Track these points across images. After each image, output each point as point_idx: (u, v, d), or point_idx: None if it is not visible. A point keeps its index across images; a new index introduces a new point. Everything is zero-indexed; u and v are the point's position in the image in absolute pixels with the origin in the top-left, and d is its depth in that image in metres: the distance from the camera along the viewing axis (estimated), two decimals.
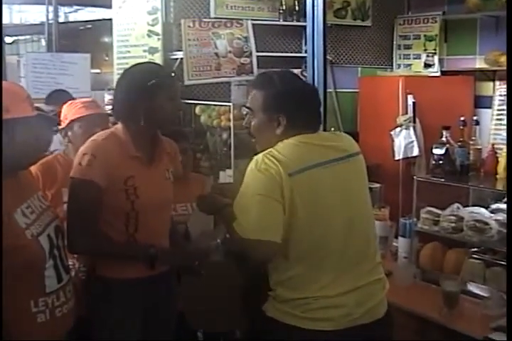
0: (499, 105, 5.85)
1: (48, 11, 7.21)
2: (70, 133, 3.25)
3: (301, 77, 3.08)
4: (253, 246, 2.28)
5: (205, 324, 3.49)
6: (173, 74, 2.80)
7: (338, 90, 6.39)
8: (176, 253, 2.82)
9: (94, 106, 3.28)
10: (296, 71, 4.84)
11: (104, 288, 2.67)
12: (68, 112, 3.28)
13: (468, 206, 3.92)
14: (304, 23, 5.58)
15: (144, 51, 5.44)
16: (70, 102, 3.40)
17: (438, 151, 3.82)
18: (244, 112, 2.62)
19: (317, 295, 2.32)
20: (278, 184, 2.26)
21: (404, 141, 5.56)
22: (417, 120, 5.59)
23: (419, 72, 6.42)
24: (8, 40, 8.69)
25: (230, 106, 5.05)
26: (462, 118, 3.94)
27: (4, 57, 7.68)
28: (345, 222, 2.37)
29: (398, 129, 5.59)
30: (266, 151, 2.35)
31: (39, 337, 2.23)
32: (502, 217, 3.55)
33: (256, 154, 2.39)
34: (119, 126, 2.72)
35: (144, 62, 3.07)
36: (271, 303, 2.42)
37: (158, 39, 5.39)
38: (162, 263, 2.69)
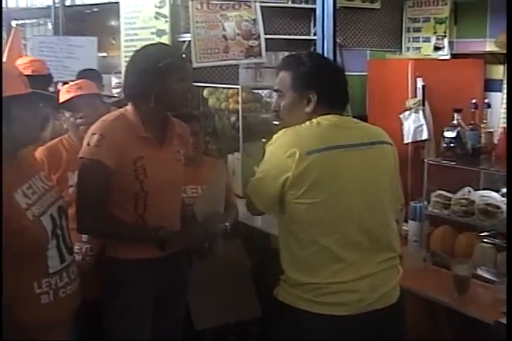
0: None
1: None
2: (63, 118, 3.29)
3: None
4: (246, 198, 2.53)
5: (212, 318, 3.46)
6: (183, 56, 2.80)
7: (346, 73, 6.29)
8: (184, 235, 2.83)
9: (75, 89, 3.30)
10: None
11: (114, 268, 2.69)
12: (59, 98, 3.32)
13: (479, 190, 3.90)
14: (312, 6, 5.53)
15: (152, 33, 5.41)
16: (61, 88, 3.44)
17: (449, 134, 3.77)
18: (274, 96, 2.62)
19: (329, 281, 2.31)
20: (284, 165, 2.29)
21: (413, 125, 5.54)
22: (427, 103, 5.56)
23: (429, 55, 6.39)
24: (14, 23, 8.64)
25: (238, 88, 5.03)
26: (474, 101, 3.89)
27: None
28: (362, 209, 2.35)
29: (407, 113, 5.57)
30: (290, 128, 2.38)
31: (44, 318, 2.24)
32: None
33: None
34: (129, 107, 2.73)
35: (155, 44, 3.08)
36: (282, 287, 2.42)
37: (166, 21, 5.35)
38: (171, 245, 2.70)
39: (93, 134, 2.60)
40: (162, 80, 2.62)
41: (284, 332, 2.42)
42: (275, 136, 2.38)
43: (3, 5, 7.68)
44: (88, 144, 2.59)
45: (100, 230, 2.66)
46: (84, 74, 5.03)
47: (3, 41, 7.44)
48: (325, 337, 2.31)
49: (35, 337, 2.22)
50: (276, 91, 2.54)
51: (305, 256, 2.35)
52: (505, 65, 5.83)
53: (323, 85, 2.43)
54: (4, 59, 5.41)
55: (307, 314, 2.32)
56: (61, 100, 3.25)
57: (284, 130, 2.37)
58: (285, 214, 2.38)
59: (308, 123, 2.38)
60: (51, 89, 4.98)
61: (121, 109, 2.76)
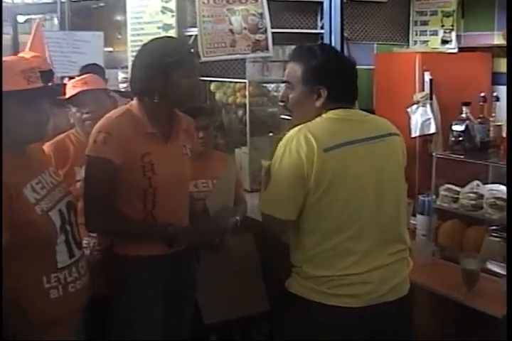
0: None
1: None
2: (70, 113, 3.28)
3: None
4: (265, 220, 2.41)
5: (221, 312, 3.46)
6: (191, 51, 2.77)
7: None
8: (194, 231, 2.80)
9: (81, 84, 3.30)
10: None
11: (122, 266, 2.67)
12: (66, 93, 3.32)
13: (487, 183, 3.89)
14: None
15: (158, 28, 5.39)
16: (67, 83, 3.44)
17: (458, 128, 3.76)
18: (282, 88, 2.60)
19: (343, 273, 2.32)
20: (305, 163, 2.26)
21: (420, 118, 5.51)
22: (434, 97, 5.54)
23: (436, 48, 6.36)
24: (20, 19, 8.65)
25: (245, 82, 5.03)
26: (482, 94, 3.88)
27: (17, 36, 7.68)
28: (375, 202, 2.36)
29: (415, 106, 5.55)
30: (303, 125, 2.34)
31: (53, 312, 2.25)
32: None
33: (294, 127, 2.39)
34: (135, 102, 2.70)
35: (162, 37, 3.04)
36: (294, 279, 2.42)
37: (173, 16, 5.34)
38: (180, 242, 2.68)
39: (99, 131, 2.58)
40: (169, 75, 2.59)
41: (295, 324, 2.42)
42: (288, 136, 2.34)
43: (9, 0, 7.69)
44: (94, 142, 2.57)
45: (108, 228, 2.65)
46: (87, 69, 5.02)
47: (9, 37, 7.47)
48: (336, 328, 2.32)
49: (44, 333, 2.22)
50: (285, 82, 2.51)
51: (319, 251, 2.35)
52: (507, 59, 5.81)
53: (334, 80, 2.40)
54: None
55: (320, 306, 2.33)
56: (67, 95, 3.25)
57: (295, 129, 2.34)
58: (300, 212, 2.36)
59: (319, 119, 2.37)
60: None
61: (127, 104, 2.74)
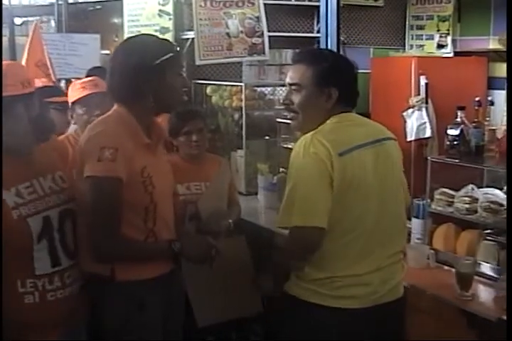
0: None
1: None
2: (74, 115, 3.25)
3: None
4: (300, 234, 2.32)
5: (214, 315, 3.44)
6: (177, 48, 2.61)
7: None
8: (194, 243, 2.64)
9: (91, 86, 3.25)
10: None
11: (126, 292, 2.42)
12: (70, 94, 3.28)
13: (482, 187, 3.90)
14: (316, 3, 5.53)
15: (155, 31, 5.39)
16: (72, 84, 3.40)
17: (453, 132, 3.78)
18: (286, 89, 2.59)
19: (344, 274, 2.34)
20: (327, 166, 2.27)
21: (416, 122, 5.53)
22: (430, 101, 5.55)
23: (432, 52, 6.39)
24: (17, 21, 8.63)
25: (241, 86, 5.04)
26: (477, 99, 3.90)
27: (14, 38, 7.67)
28: (379, 204, 2.39)
29: (410, 110, 5.56)
30: (313, 132, 2.36)
31: (26, 317, 2.23)
32: None
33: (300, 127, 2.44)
34: (122, 109, 2.45)
35: (139, 36, 2.68)
36: (294, 282, 2.45)
37: (170, 19, 5.36)
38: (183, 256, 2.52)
39: (103, 148, 2.27)
40: (161, 77, 2.37)
41: (296, 327, 2.44)
42: (301, 145, 2.33)
43: (6, 2, 7.67)
44: (99, 160, 2.27)
45: (117, 253, 2.39)
46: (94, 72, 5.02)
47: (6, 38, 7.46)
48: (339, 330, 2.35)
49: (21, 336, 2.21)
50: (292, 85, 2.48)
51: (323, 252, 2.36)
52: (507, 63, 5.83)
53: (345, 82, 2.44)
54: (24, 58, 5.40)
55: (320, 308, 2.35)
56: (76, 97, 3.21)
57: (306, 137, 2.35)
58: None
59: (325, 126, 2.40)
60: None
61: (113, 113, 2.50)
